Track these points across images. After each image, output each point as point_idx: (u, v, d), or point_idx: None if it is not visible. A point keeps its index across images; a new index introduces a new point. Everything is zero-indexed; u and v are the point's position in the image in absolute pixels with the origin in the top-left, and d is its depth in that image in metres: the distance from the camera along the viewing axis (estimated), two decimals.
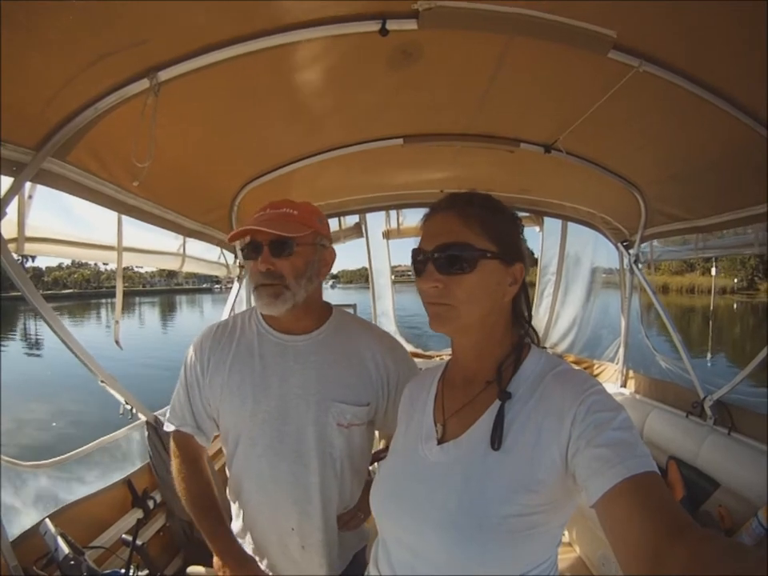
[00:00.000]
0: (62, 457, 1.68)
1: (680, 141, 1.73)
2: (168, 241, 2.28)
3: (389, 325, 4.75)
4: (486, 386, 0.75)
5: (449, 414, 0.78)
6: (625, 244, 2.90)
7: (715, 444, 2.06)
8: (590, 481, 0.57)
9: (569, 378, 0.69)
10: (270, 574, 1.10)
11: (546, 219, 4.04)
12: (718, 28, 1.07)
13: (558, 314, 4.23)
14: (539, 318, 4.26)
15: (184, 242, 2.33)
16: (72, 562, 1.21)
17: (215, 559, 1.06)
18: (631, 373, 3.03)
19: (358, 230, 4.36)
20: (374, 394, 1.11)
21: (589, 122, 1.64)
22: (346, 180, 2.55)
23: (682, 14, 1.03)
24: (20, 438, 7.49)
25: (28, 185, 1.33)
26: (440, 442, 0.75)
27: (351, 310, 3.18)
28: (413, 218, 4.28)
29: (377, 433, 1.34)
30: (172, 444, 1.16)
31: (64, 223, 1.72)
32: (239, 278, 2.66)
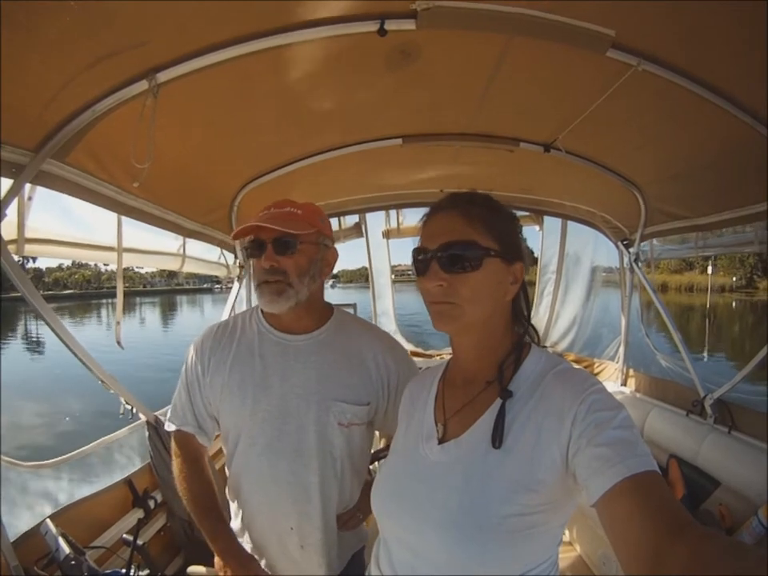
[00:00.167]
0: (63, 457, 1.68)
1: (679, 139, 1.73)
2: (168, 241, 2.29)
3: (389, 324, 4.75)
4: (486, 385, 0.75)
5: (449, 413, 0.78)
6: (625, 243, 2.90)
7: (715, 443, 2.06)
8: (591, 480, 0.57)
9: (569, 377, 0.69)
10: (270, 573, 1.10)
11: (546, 218, 4.05)
12: (717, 27, 1.07)
13: (558, 313, 4.23)
14: (539, 317, 4.26)
15: (184, 243, 2.33)
16: (73, 562, 1.21)
17: (216, 559, 1.06)
18: (631, 371, 3.04)
19: (357, 230, 4.36)
20: (374, 393, 1.11)
21: (588, 121, 1.64)
22: (345, 180, 2.55)
23: (681, 13, 1.03)
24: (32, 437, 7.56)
25: (27, 186, 1.33)
26: (441, 441, 0.76)
27: (351, 310, 3.18)
28: (412, 217, 4.29)
29: (377, 433, 1.34)
30: (173, 444, 1.16)
31: (64, 224, 1.73)
32: (239, 278, 2.66)
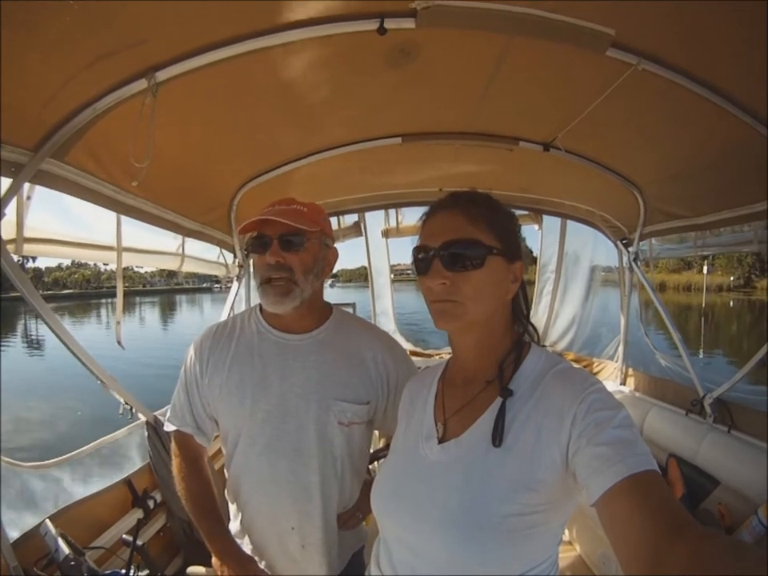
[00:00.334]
0: (62, 457, 1.68)
1: (679, 139, 1.73)
2: (167, 241, 2.28)
3: (388, 323, 4.76)
4: (486, 385, 0.75)
5: (449, 413, 0.78)
6: (624, 242, 2.90)
7: (715, 442, 2.07)
8: (591, 479, 0.57)
9: (569, 376, 0.69)
10: (270, 573, 1.10)
11: (545, 217, 4.06)
12: (717, 27, 1.07)
13: (557, 312, 4.24)
14: (538, 317, 4.27)
15: (183, 242, 2.33)
16: (72, 563, 1.21)
17: (213, 559, 1.06)
18: (631, 371, 3.04)
19: (357, 229, 4.37)
20: (373, 392, 1.11)
21: (588, 121, 1.64)
22: (344, 179, 2.55)
23: (681, 13, 1.03)
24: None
25: (26, 186, 1.32)
26: (440, 441, 0.76)
27: (350, 309, 3.18)
28: (412, 216, 4.30)
29: (376, 432, 1.34)
30: (173, 444, 1.16)
31: (63, 224, 1.72)
32: (238, 278, 2.66)
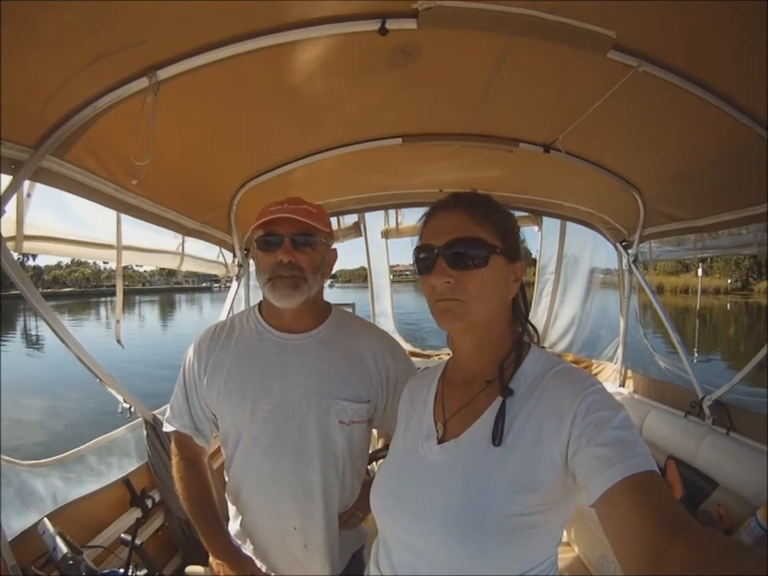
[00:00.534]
0: (60, 456, 1.68)
1: (679, 141, 1.73)
2: (167, 240, 2.28)
3: (387, 324, 4.75)
4: (486, 385, 0.75)
5: (449, 413, 0.78)
6: (623, 244, 2.90)
7: (714, 444, 2.07)
8: (590, 480, 0.57)
9: (569, 376, 0.70)
10: (270, 574, 1.10)
11: (545, 219, 4.06)
12: (717, 28, 1.07)
13: (556, 314, 4.24)
14: (538, 318, 4.27)
15: (183, 241, 2.33)
16: (70, 562, 1.20)
17: (211, 559, 1.06)
18: (630, 372, 3.03)
19: (356, 230, 4.36)
20: (373, 391, 1.11)
21: (588, 122, 1.64)
22: (344, 179, 2.55)
23: (682, 14, 1.03)
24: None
25: (26, 183, 1.32)
26: (440, 441, 0.75)
27: (350, 309, 3.18)
28: (411, 217, 4.30)
29: (374, 432, 1.34)
30: (172, 444, 1.17)
31: (63, 222, 1.72)
32: (238, 277, 2.66)
